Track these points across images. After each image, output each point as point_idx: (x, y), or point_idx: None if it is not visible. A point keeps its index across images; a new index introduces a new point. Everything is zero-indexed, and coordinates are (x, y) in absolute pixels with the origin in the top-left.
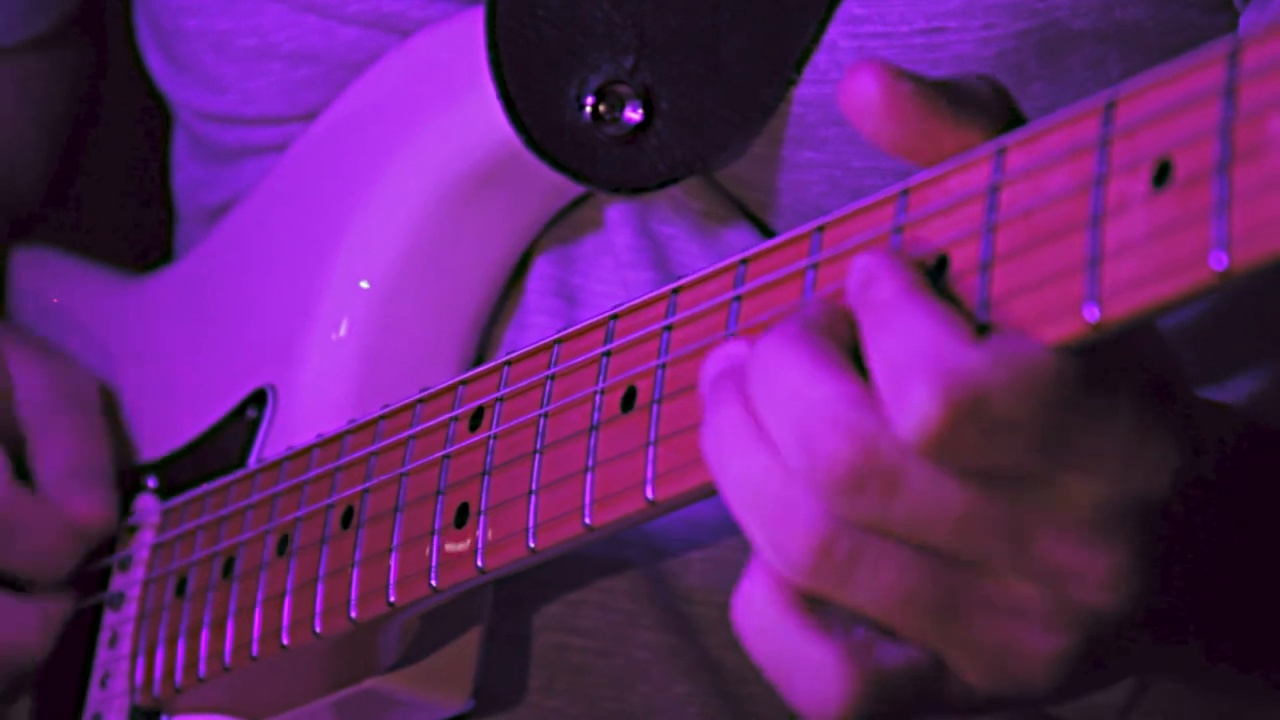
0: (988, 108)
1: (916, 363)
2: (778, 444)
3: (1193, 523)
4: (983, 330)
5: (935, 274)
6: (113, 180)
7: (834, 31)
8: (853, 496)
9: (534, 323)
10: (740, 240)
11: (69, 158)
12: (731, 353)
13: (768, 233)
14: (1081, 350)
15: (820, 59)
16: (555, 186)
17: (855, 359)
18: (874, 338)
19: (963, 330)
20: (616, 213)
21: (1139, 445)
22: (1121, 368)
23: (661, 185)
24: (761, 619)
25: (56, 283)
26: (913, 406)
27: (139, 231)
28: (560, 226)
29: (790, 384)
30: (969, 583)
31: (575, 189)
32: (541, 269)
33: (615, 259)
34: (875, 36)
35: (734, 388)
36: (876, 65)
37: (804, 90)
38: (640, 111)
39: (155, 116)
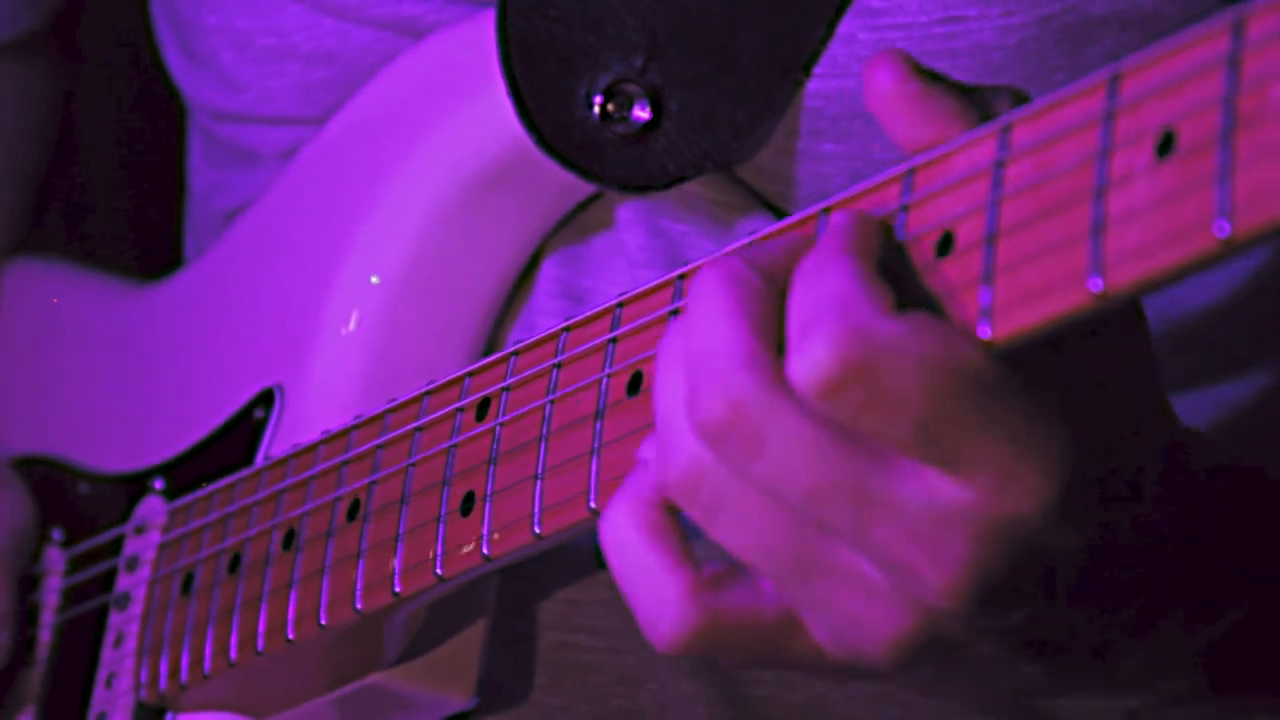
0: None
1: (826, 314)
2: (682, 369)
3: (1063, 554)
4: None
5: (940, 250)
6: (118, 185)
7: (853, 24)
8: (716, 445)
9: (541, 324)
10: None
11: (50, 173)
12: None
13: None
14: (1003, 353)
15: (839, 52)
16: (565, 186)
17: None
18: (803, 280)
19: (882, 296)
20: (627, 212)
21: (1016, 466)
22: (1025, 384)
23: (670, 184)
24: (622, 535)
25: (58, 291)
26: (809, 352)
27: (145, 236)
28: (569, 228)
29: (702, 321)
30: (821, 546)
31: (586, 189)
32: (549, 270)
33: (627, 259)
34: (894, 28)
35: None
36: (893, 58)
37: (824, 84)
38: (649, 111)
39: (164, 122)
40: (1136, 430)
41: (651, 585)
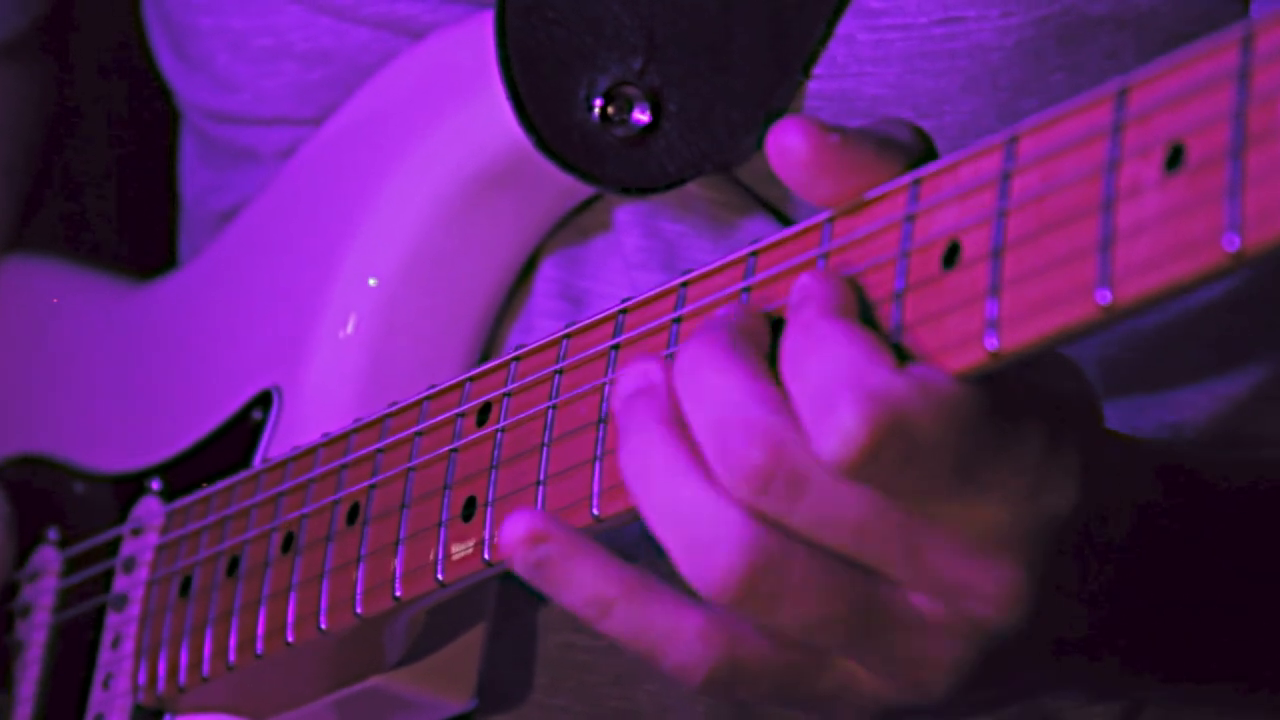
0: (908, 149)
1: (842, 384)
2: (700, 445)
3: (1094, 548)
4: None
5: (947, 261)
6: (111, 186)
7: (852, 24)
8: (758, 496)
9: (540, 325)
10: (755, 231)
11: (40, 175)
12: (646, 370)
13: (786, 222)
14: (985, 377)
15: (839, 52)
16: (564, 188)
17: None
18: (798, 354)
19: (886, 356)
20: (625, 214)
21: (1043, 471)
22: (1031, 398)
23: (670, 186)
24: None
25: (54, 291)
26: (837, 427)
27: (139, 238)
28: (567, 230)
29: (712, 385)
30: (879, 597)
31: (584, 190)
32: (548, 272)
33: (624, 260)
34: (893, 29)
35: (654, 407)
36: (799, 122)
37: (824, 85)
38: (648, 113)
39: (158, 123)
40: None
41: (676, 629)
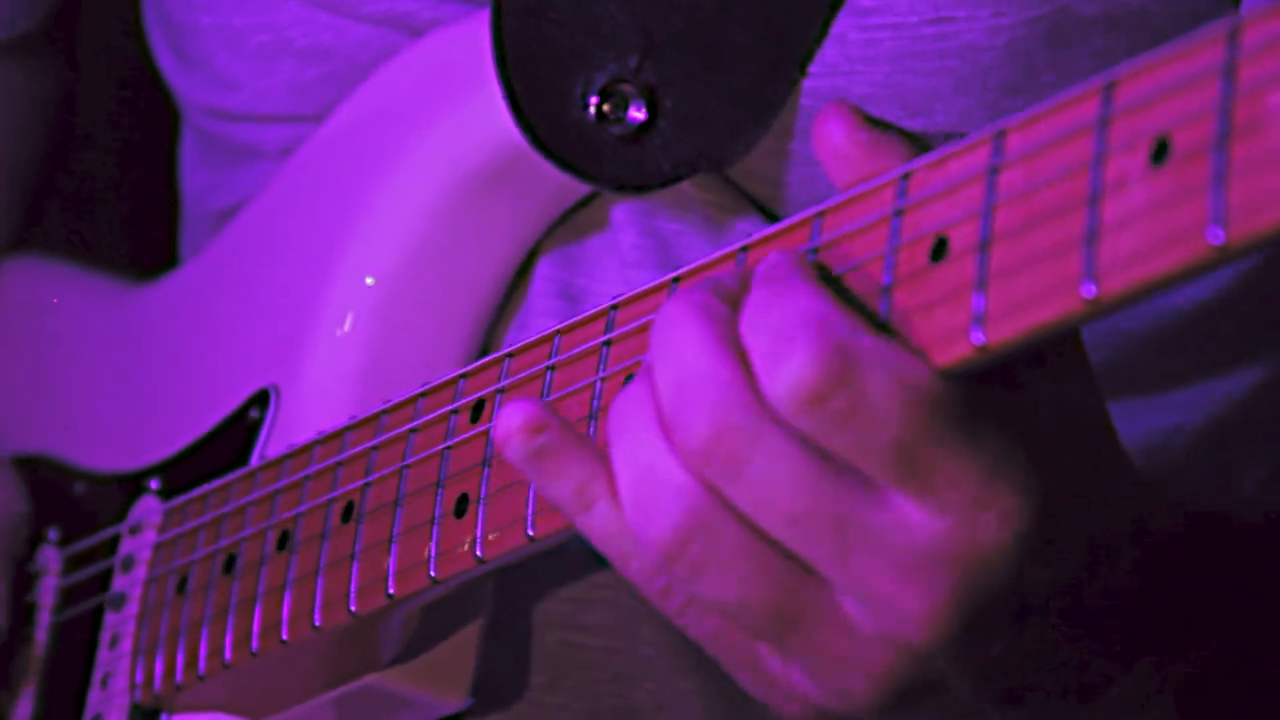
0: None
1: (804, 330)
2: (660, 403)
3: (1037, 585)
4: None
5: (934, 255)
6: (113, 186)
7: (844, 23)
8: (702, 467)
9: (536, 324)
10: (749, 232)
11: (45, 174)
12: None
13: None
14: (970, 373)
15: (830, 51)
16: (561, 186)
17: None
18: (760, 310)
19: (858, 319)
20: (621, 212)
21: (990, 492)
22: (1000, 413)
23: (666, 184)
24: None
25: (54, 290)
26: (791, 364)
27: (140, 236)
28: (564, 228)
29: (679, 345)
30: (804, 590)
31: (581, 189)
32: (544, 270)
33: (620, 258)
34: (884, 28)
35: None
36: (843, 110)
37: (815, 84)
38: (644, 111)
39: (159, 122)
40: (1097, 472)
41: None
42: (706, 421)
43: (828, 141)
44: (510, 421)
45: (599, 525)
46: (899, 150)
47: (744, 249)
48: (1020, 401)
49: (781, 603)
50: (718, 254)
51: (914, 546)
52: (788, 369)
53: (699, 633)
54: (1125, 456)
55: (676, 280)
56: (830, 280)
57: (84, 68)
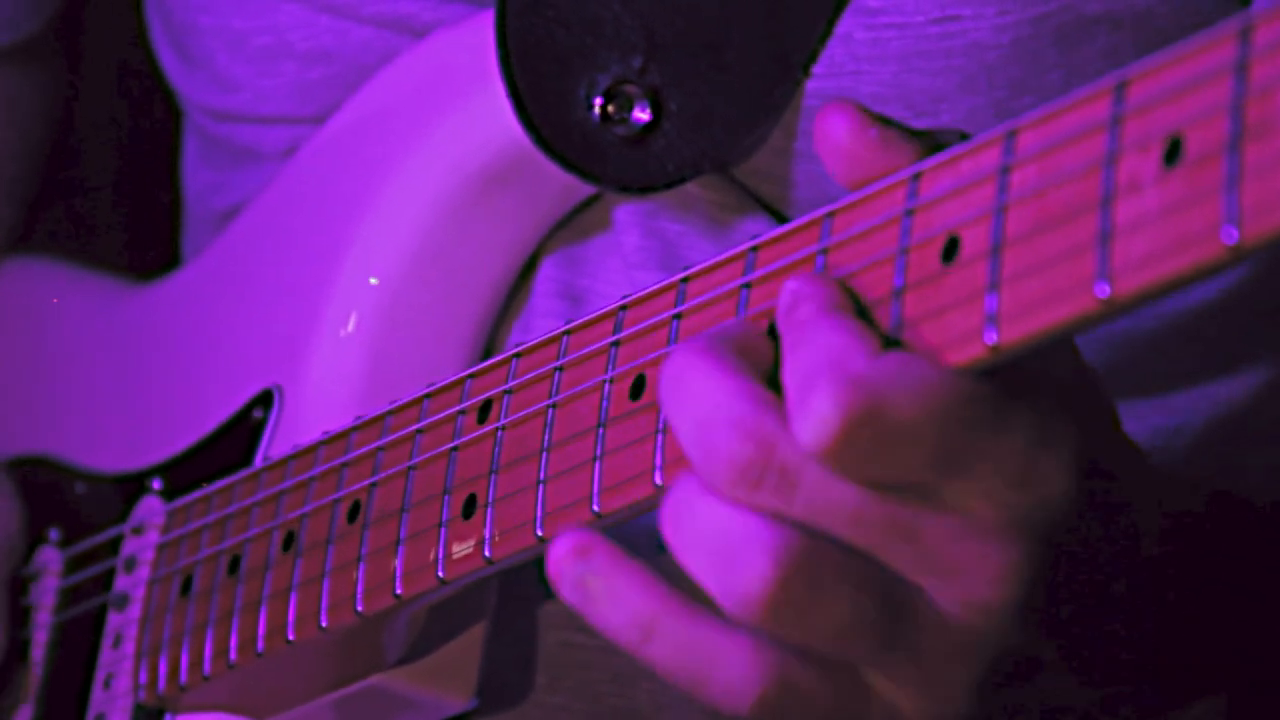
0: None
1: (820, 371)
2: (687, 454)
3: (1086, 545)
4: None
5: (946, 256)
6: (115, 186)
7: (849, 23)
8: (751, 492)
9: (539, 325)
10: (754, 231)
11: (46, 175)
12: None
13: (784, 221)
14: (984, 371)
15: (836, 51)
16: (564, 187)
17: (774, 384)
18: (790, 355)
19: (868, 342)
20: (624, 213)
21: (1031, 461)
22: (1021, 388)
23: (670, 185)
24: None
25: (56, 291)
26: (812, 412)
27: (143, 238)
28: (568, 229)
29: (692, 390)
30: (900, 594)
31: (585, 190)
32: (548, 271)
33: (623, 259)
34: (889, 27)
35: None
36: (848, 108)
37: (821, 84)
38: (648, 112)
39: (161, 123)
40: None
41: (722, 657)
42: (747, 441)
43: (830, 138)
44: (559, 549)
45: (665, 649)
46: (907, 149)
47: (754, 249)
48: (1045, 375)
49: (883, 609)
50: (727, 254)
51: (974, 519)
52: (810, 415)
53: (809, 687)
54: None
55: (685, 280)
56: (848, 289)
57: (86, 68)
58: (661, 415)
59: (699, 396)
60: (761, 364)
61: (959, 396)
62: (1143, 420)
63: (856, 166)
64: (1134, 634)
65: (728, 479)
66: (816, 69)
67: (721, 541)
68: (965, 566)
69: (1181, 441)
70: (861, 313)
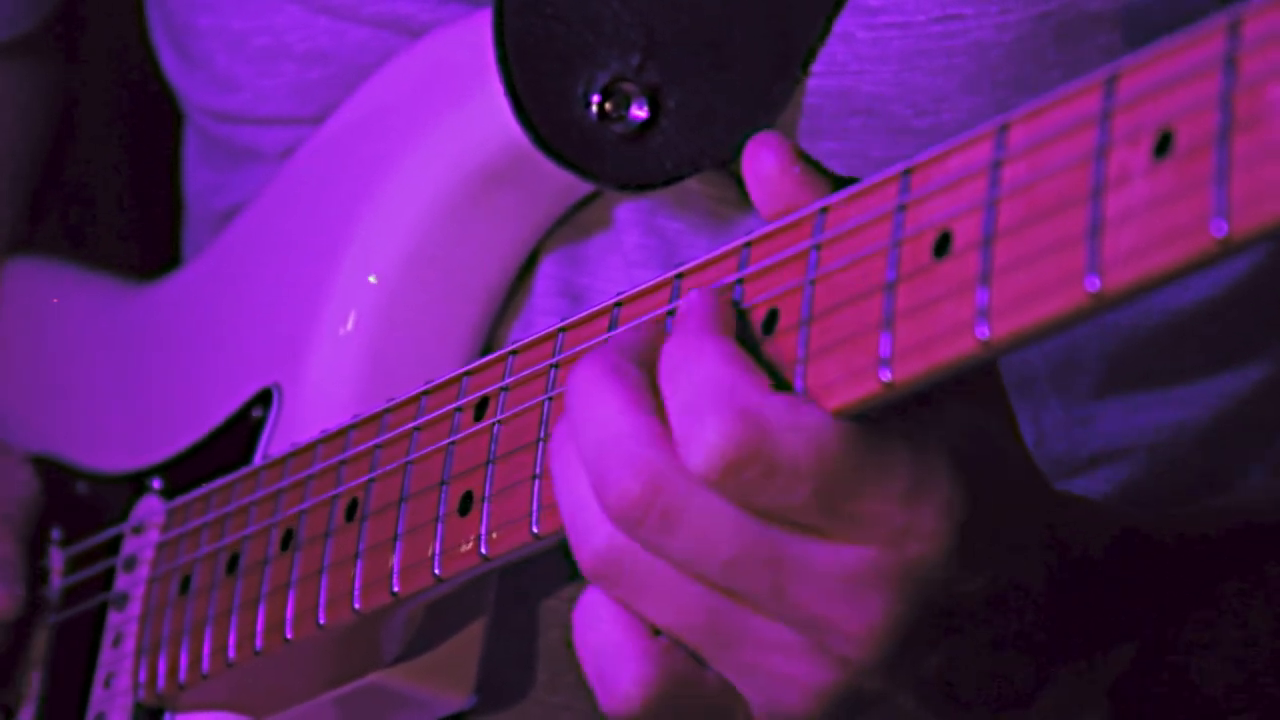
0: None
1: (712, 398)
2: (585, 463)
3: (967, 597)
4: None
5: (938, 250)
6: (116, 186)
7: (850, 22)
8: (634, 528)
9: (539, 323)
10: (755, 228)
11: (47, 174)
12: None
13: None
14: (872, 414)
15: (838, 50)
16: (563, 185)
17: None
18: (674, 364)
19: (760, 377)
20: (625, 212)
21: (913, 515)
22: (903, 438)
23: (668, 183)
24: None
25: (56, 291)
26: (704, 438)
27: (143, 236)
28: (567, 227)
29: (594, 414)
30: (738, 616)
31: (583, 188)
32: (548, 269)
33: (623, 258)
34: (891, 27)
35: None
36: (777, 142)
37: (823, 82)
38: (646, 110)
39: (162, 123)
40: (1017, 491)
41: (612, 648)
42: (635, 479)
43: (758, 169)
44: None
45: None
46: (822, 185)
47: (747, 245)
48: (934, 423)
49: (716, 624)
50: (721, 250)
51: (846, 573)
52: (701, 443)
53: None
54: (1037, 470)
55: (680, 276)
56: (744, 320)
57: (87, 68)
58: (566, 421)
59: (599, 423)
60: (653, 370)
61: (844, 441)
62: (1146, 414)
63: (777, 198)
64: (1017, 674)
65: (614, 512)
66: (818, 68)
67: (601, 659)
68: (830, 623)
69: (1185, 435)
70: (754, 345)
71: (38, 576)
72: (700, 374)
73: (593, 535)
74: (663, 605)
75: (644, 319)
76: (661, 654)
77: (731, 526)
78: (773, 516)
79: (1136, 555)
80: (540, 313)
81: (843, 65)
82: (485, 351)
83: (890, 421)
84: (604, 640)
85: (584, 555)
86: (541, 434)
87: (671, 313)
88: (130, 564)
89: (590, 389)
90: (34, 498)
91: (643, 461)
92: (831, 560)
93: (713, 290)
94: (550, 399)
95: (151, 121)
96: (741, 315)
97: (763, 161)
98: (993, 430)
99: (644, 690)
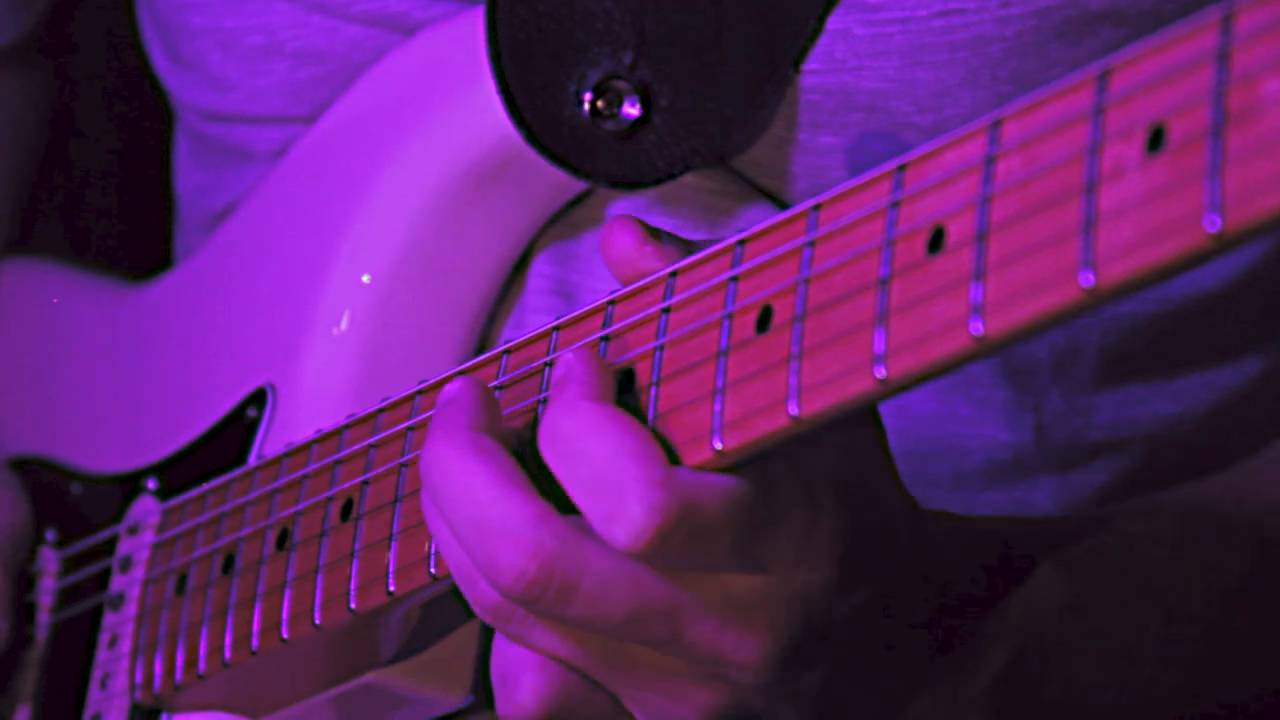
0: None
1: (626, 476)
2: (466, 544)
3: (843, 617)
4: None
5: (932, 246)
6: (110, 188)
7: (850, 18)
8: (531, 604)
9: (532, 321)
10: (752, 220)
11: (46, 177)
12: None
13: (784, 207)
14: (759, 466)
15: (837, 47)
16: (556, 183)
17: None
18: (572, 446)
19: (659, 448)
20: (618, 209)
21: (806, 546)
22: (794, 472)
23: (659, 181)
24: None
25: (50, 292)
26: (629, 516)
27: (138, 240)
28: (561, 225)
29: (464, 496)
30: (632, 656)
31: (576, 185)
32: (541, 267)
33: None
34: (891, 22)
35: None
36: (630, 224)
37: (822, 79)
38: (638, 107)
39: (154, 124)
40: (889, 506)
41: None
42: (529, 562)
43: (616, 249)
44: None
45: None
46: (676, 254)
47: (741, 242)
48: (817, 455)
49: (607, 664)
50: (715, 248)
51: (735, 605)
52: (627, 520)
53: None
54: (906, 493)
55: (674, 275)
56: (626, 379)
57: (80, 70)
58: (429, 495)
59: (473, 505)
60: (512, 438)
61: (749, 488)
62: (1146, 406)
63: (633, 271)
64: (893, 684)
65: (510, 592)
66: (817, 66)
67: (503, 665)
68: (722, 655)
69: (1184, 428)
70: (634, 404)
71: (27, 586)
72: (602, 451)
73: (484, 596)
74: (556, 647)
75: (472, 382)
76: (558, 670)
77: (628, 587)
78: (680, 570)
79: (1001, 571)
80: (533, 311)
81: (841, 62)
82: (479, 349)
83: (777, 463)
84: (507, 646)
85: (476, 607)
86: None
87: (550, 364)
88: (126, 564)
89: (453, 469)
90: (22, 524)
91: (535, 545)
92: (722, 597)
93: (586, 352)
94: (544, 400)
95: (144, 122)
96: (619, 373)
97: (618, 242)
98: (864, 449)
99: (538, 701)
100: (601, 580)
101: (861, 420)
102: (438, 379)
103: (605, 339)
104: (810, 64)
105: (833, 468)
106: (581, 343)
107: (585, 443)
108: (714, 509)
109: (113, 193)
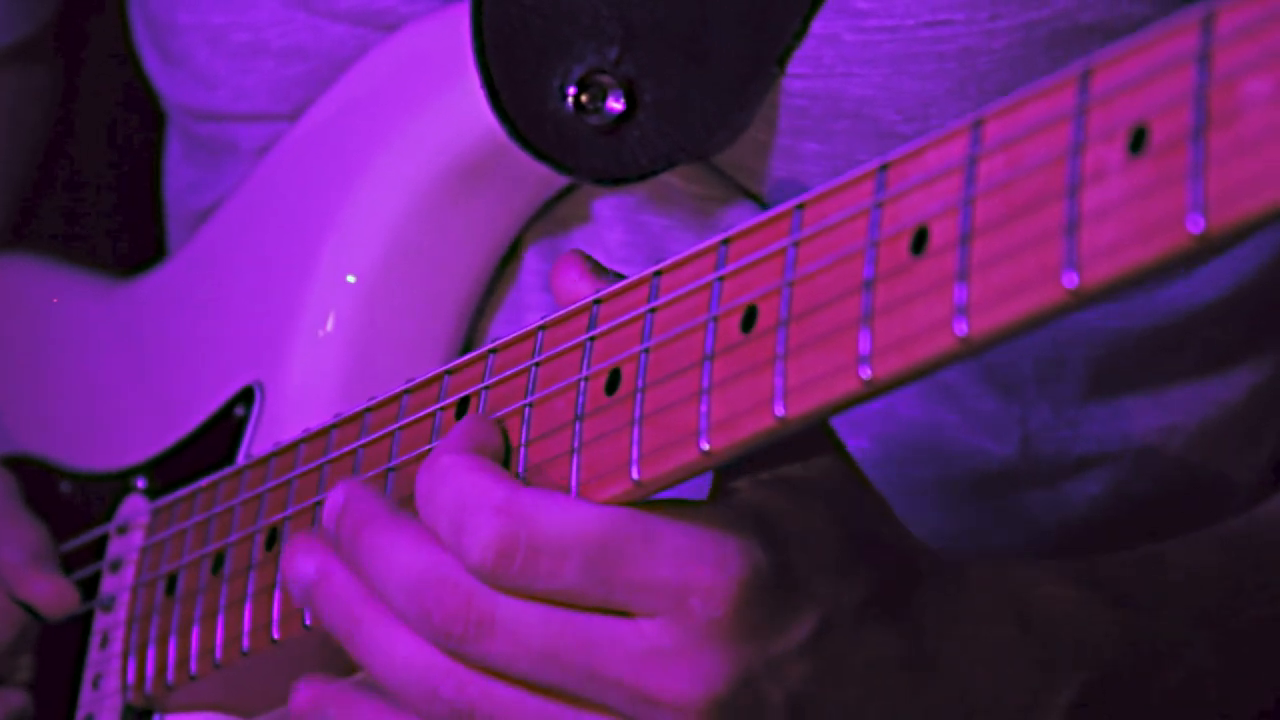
0: None
1: (468, 506)
2: (394, 604)
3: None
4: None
5: (915, 247)
6: (104, 187)
7: (839, 25)
8: (460, 644)
9: (526, 318)
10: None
11: (41, 176)
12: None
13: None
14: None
15: (826, 53)
16: (541, 178)
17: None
18: (431, 497)
19: (507, 476)
20: (608, 208)
21: (687, 574)
22: (673, 505)
23: (643, 176)
24: None
25: (39, 289)
26: (476, 538)
27: (129, 238)
28: (552, 221)
29: (392, 562)
30: (559, 707)
31: (561, 181)
32: (533, 264)
33: (607, 254)
34: (880, 30)
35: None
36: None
37: (810, 84)
38: (622, 102)
39: (147, 122)
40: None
41: None
42: (460, 599)
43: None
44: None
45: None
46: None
47: (725, 242)
48: (737, 484)
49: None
50: (699, 247)
51: (650, 646)
52: (474, 542)
53: None
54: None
55: (658, 274)
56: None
57: (79, 70)
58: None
59: (400, 568)
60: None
61: (598, 512)
62: (1137, 419)
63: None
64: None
65: (434, 638)
66: (806, 70)
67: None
68: (647, 694)
69: (1173, 440)
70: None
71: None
72: (448, 491)
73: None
74: (494, 705)
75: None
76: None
77: (538, 621)
78: (564, 601)
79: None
80: (527, 308)
81: (829, 68)
82: (467, 346)
83: (654, 503)
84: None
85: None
86: (524, 432)
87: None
88: (116, 566)
89: (380, 543)
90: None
91: (448, 589)
92: (635, 636)
93: (474, 418)
94: (531, 404)
95: (141, 122)
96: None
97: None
98: (820, 468)
99: None
100: (513, 613)
101: (822, 446)
102: (424, 378)
103: (591, 339)
104: (798, 68)
105: (757, 498)
106: (570, 342)
107: (438, 491)
108: (551, 526)
109: (107, 192)
